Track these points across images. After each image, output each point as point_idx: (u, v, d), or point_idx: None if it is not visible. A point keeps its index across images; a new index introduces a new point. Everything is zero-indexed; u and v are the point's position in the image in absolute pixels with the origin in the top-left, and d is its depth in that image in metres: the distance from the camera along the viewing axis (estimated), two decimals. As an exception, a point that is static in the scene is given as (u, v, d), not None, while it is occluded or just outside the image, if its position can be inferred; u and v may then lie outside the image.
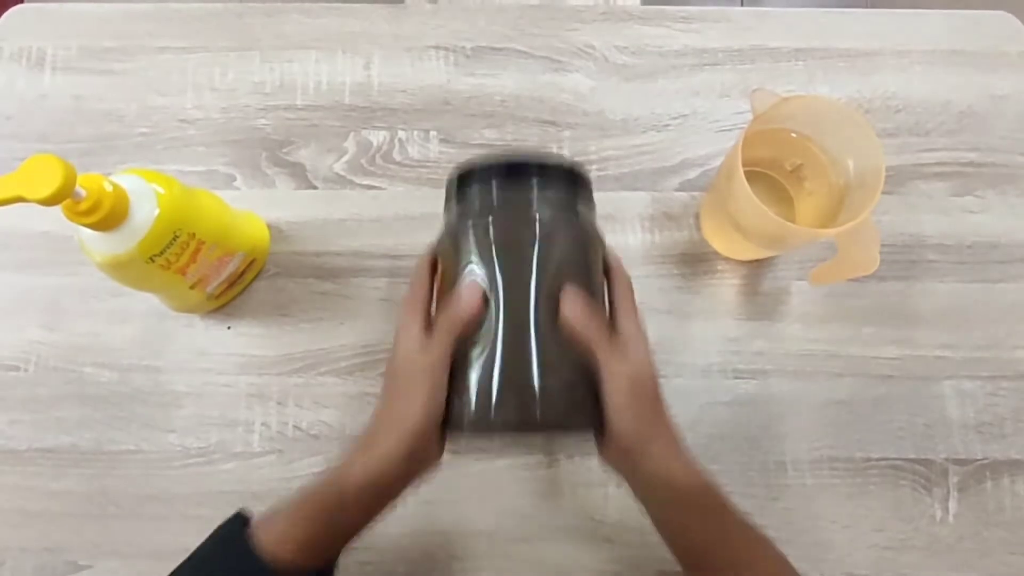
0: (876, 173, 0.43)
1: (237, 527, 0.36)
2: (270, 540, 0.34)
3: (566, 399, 0.34)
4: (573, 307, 0.34)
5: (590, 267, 0.37)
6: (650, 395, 0.35)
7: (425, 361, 0.33)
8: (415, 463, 0.34)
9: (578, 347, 0.34)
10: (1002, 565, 0.49)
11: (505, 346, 0.34)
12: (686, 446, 0.37)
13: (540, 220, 0.36)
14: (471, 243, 0.36)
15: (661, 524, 0.37)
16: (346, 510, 0.34)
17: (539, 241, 0.35)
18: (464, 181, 0.38)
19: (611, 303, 0.38)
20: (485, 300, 0.34)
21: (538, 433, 0.37)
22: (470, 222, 0.36)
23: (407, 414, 0.32)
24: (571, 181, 0.38)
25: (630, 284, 0.38)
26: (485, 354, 0.34)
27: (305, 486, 0.36)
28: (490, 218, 0.36)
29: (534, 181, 0.36)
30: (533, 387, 0.33)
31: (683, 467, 0.36)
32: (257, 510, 0.49)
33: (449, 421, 0.35)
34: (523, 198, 0.36)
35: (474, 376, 0.34)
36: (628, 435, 0.34)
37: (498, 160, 0.37)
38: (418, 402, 0.32)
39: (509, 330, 0.34)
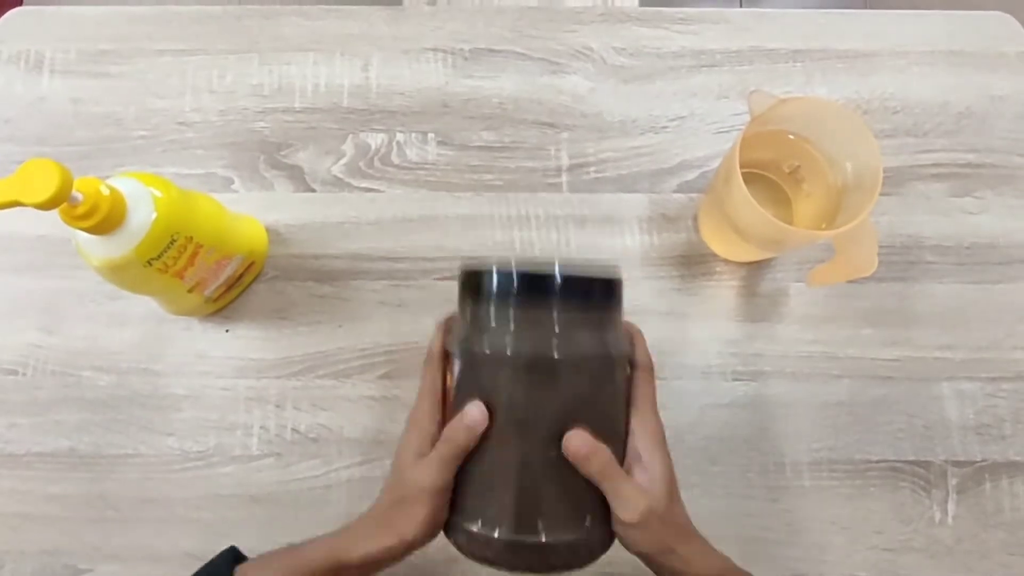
0: (874, 174, 0.43)
1: (226, 565, 0.37)
2: None
3: (573, 534, 0.33)
4: (577, 448, 0.33)
5: (615, 392, 0.36)
6: (664, 517, 0.34)
7: (424, 487, 0.33)
8: (410, 552, 0.36)
9: (589, 478, 0.33)
10: (1001, 566, 0.49)
11: (513, 472, 0.33)
12: (706, 544, 0.37)
13: (561, 344, 0.33)
14: (486, 363, 0.34)
15: None
16: None
17: (560, 368, 0.33)
18: (480, 282, 0.35)
19: (631, 404, 0.36)
20: (490, 420, 0.33)
21: (542, 571, 0.35)
22: (486, 339, 0.34)
23: (407, 529, 0.34)
24: (601, 288, 0.35)
25: (653, 376, 0.37)
26: (490, 476, 0.34)
27: (298, 548, 0.37)
28: (507, 338, 0.33)
29: (557, 296, 0.33)
30: (538, 533, 0.33)
31: (703, 566, 0.35)
32: (256, 516, 0.49)
33: (451, 533, 0.35)
34: (544, 317, 0.33)
35: (479, 500, 0.34)
36: (643, 554, 0.34)
37: (519, 268, 0.34)
38: (416, 523, 0.34)
39: (518, 453, 0.33)
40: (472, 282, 0.35)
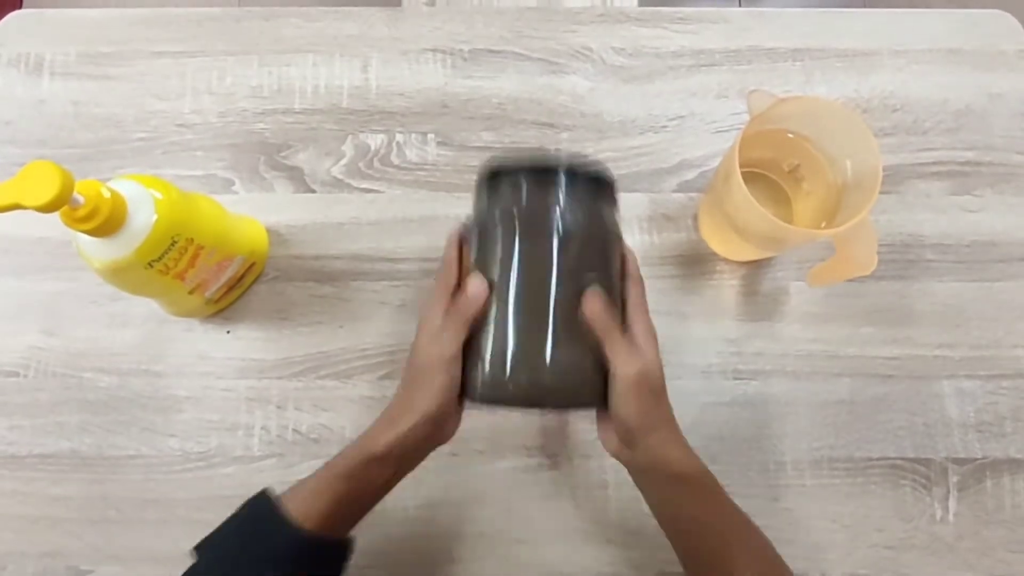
0: (873, 173, 0.43)
1: (265, 502, 0.38)
2: (297, 511, 0.36)
3: (576, 375, 0.37)
4: (593, 305, 0.36)
5: (608, 263, 0.39)
6: (655, 389, 0.37)
7: (440, 355, 0.36)
8: (432, 438, 0.38)
9: (593, 339, 0.36)
10: (1002, 563, 0.49)
11: (521, 325, 0.36)
12: (684, 439, 0.39)
13: (563, 215, 0.38)
14: (498, 231, 0.38)
15: (657, 506, 0.40)
16: (369, 478, 0.38)
17: (561, 233, 0.38)
18: (495, 176, 0.40)
19: (624, 303, 0.39)
20: (489, 291, 0.37)
21: (547, 404, 0.40)
22: (498, 212, 0.39)
23: (425, 402, 0.36)
24: (596, 182, 0.40)
25: (643, 286, 0.40)
26: (502, 330, 0.37)
27: (332, 460, 0.38)
28: (516, 209, 0.38)
29: (561, 180, 0.39)
30: (545, 361, 0.36)
31: (680, 453, 0.38)
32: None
33: (464, 389, 0.37)
34: (549, 195, 0.38)
35: (489, 349, 0.37)
36: (630, 422, 0.37)
37: (528, 160, 0.40)
38: (433, 393, 0.36)
39: (526, 310, 0.37)
40: (495, 174, 0.40)
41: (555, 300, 0.37)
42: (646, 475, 0.39)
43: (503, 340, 0.36)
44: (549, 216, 0.38)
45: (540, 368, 0.36)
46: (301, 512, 0.36)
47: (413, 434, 0.36)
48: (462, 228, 0.42)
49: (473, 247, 0.40)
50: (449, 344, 0.36)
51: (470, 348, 0.37)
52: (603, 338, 0.36)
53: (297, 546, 0.36)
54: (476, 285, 0.37)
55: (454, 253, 0.40)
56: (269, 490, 0.39)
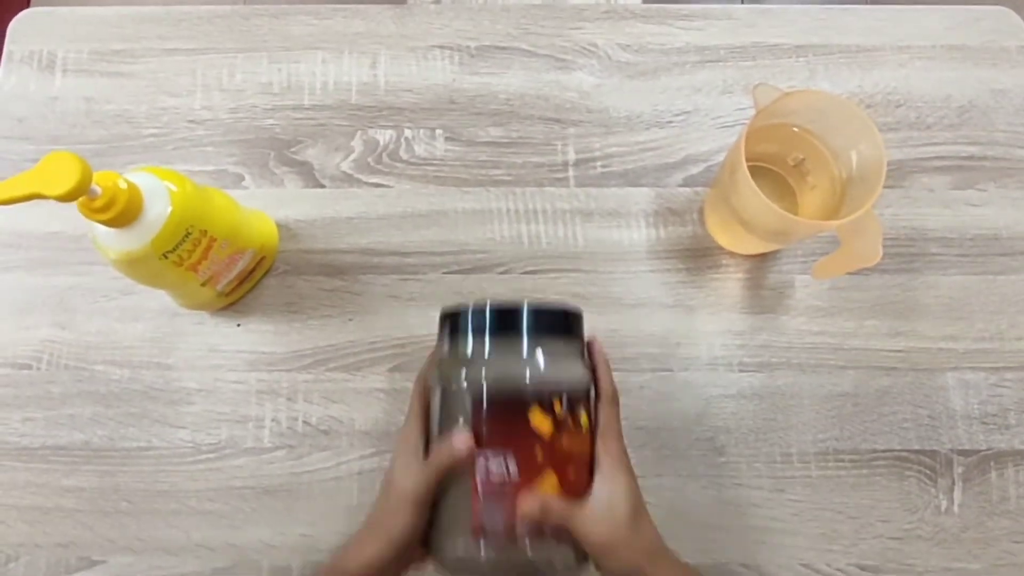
0: (878, 166, 0.43)
1: None
2: None
3: (550, 550, 0.36)
4: (531, 512, 0.35)
5: (574, 416, 0.38)
6: (631, 540, 0.36)
7: (413, 485, 0.36)
8: (401, 563, 0.38)
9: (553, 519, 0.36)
10: (1007, 554, 0.49)
11: (485, 494, 0.35)
12: (678, 561, 0.38)
13: (528, 378, 0.37)
14: (464, 398, 0.37)
15: None
16: None
17: (524, 400, 0.36)
18: (457, 322, 0.39)
19: (596, 431, 0.38)
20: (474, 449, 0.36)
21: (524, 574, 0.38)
22: (464, 373, 0.37)
23: (392, 527, 0.36)
24: (562, 328, 0.39)
25: (618, 406, 0.39)
26: (468, 497, 0.36)
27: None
28: (481, 371, 0.37)
29: (524, 335, 0.37)
30: (524, 550, 0.35)
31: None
32: (268, 507, 0.50)
33: (438, 553, 0.37)
34: (513, 352, 0.37)
35: (464, 516, 0.36)
36: (614, 571, 0.36)
37: (490, 310, 0.38)
38: (402, 520, 0.36)
39: (487, 480, 0.35)
40: (458, 321, 0.39)
41: (517, 470, 0.35)
42: None
43: (470, 510, 0.35)
44: (518, 382, 0.36)
45: (509, 543, 0.35)
46: None
47: (380, 561, 0.36)
48: (424, 375, 0.41)
49: (437, 397, 0.39)
50: (422, 482, 0.36)
51: (442, 503, 0.37)
52: (562, 525, 0.35)
53: None
54: (460, 440, 0.36)
55: (418, 402, 0.40)
56: None
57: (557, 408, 0.36)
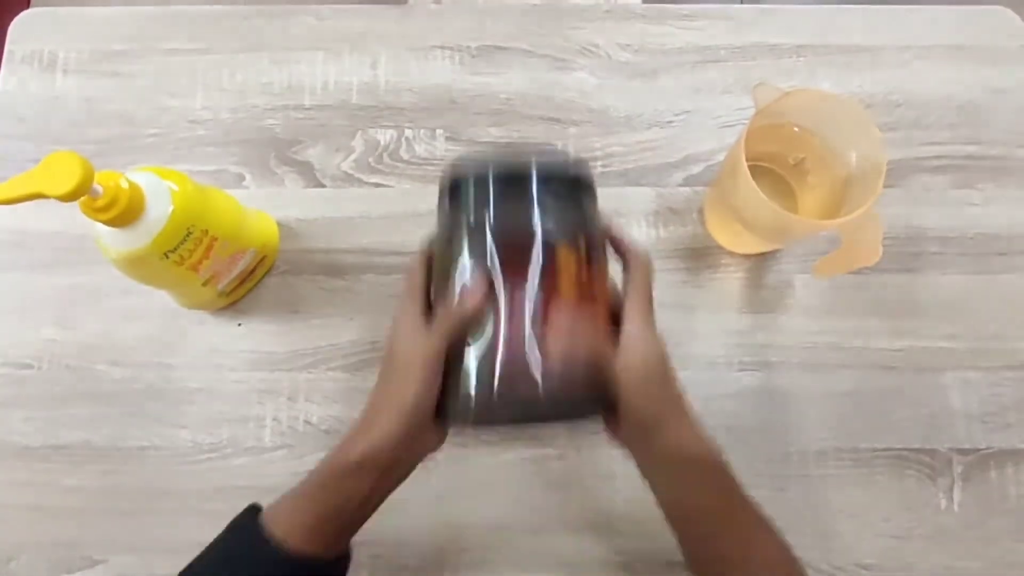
0: (877, 166, 0.43)
1: (250, 517, 0.37)
2: (280, 527, 0.35)
3: (569, 389, 0.34)
4: (567, 330, 0.34)
5: (591, 260, 0.37)
6: (660, 379, 0.35)
7: (422, 349, 0.34)
8: (412, 444, 0.35)
9: (584, 345, 0.35)
10: (1007, 553, 0.49)
11: (506, 340, 0.34)
12: (700, 423, 0.37)
13: (537, 220, 0.35)
14: (467, 242, 0.36)
15: (668, 503, 0.37)
16: (347, 490, 0.35)
17: (537, 241, 0.35)
18: (459, 180, 0.37)
19: (624, 290, 0.37)
20: (488, 297, 0.34)
21: (541, 423, 0.38)
22: (465, 220, 0.36)
23: (402, 397, 0.33)
24: (569, 177, 0.38)
25: (646, 272, 0.37)
26: (486, 347, 0.34)
27: (309, 474, 0.37)
28: (487, 217, 0.35)
29: (532, 180, 0.36)
30: (536, 379, 0.34)
31: (695, 440, 0.36)
32: (270, 503, 0.50)
33: (452, 413, 0.35)
34: (520, 198, 0.36)
35: (474, 368, 0.34)
36: (640, 416, 0.35)
37: (493, 160, 0.37)
38: (412, 387, 0.33)
39: (510, 325, 0.34)
40: (459, 178, 0.37)
41: (540, 309, 0.34)
42: (657, 465, 0.37)
43: (490, 356, 0.34)
44: (524, 220, 0.35)
45: (531, 385, 0.33)
46: (284, 529, 0.34)
47: (389, 440, 0.33)
48: (426, 244, 0.40)
49: (442, 257, 0.37)
50: (433, 338, 0.34)
51: (451, 366, 0.35)
52: (591, 352, 0.34)
53: (282, 568, 0.34)
54: (475, 289, 0.34)
55: (421, 263, 0.38)
56: (253, 508, 0.37)
57: (582, 246, 0.36)
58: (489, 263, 0.35)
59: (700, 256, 0.55)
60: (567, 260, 0.35)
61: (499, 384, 0.34)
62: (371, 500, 0.36)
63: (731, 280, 0.55)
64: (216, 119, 0.58)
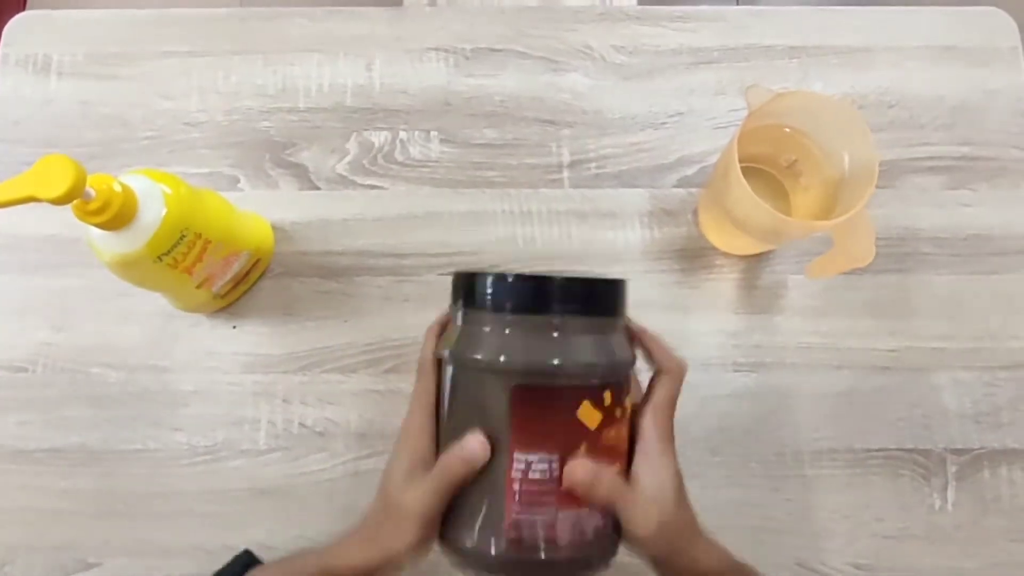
0: (870, 166, 0.44)
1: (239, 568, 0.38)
2: None
3: (580, 549, 0.32)
4: (582, 480, 0.32)
5: (615, 406, 0.34)
6: (674, 510, 0.33)
7: (417, 510, 0.32)
8: (399, 571, 0.35)
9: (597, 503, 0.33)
10: (1001, 552, 0.49)
11: (514, 495, 0.32)
12: (708, 538, 0.36)
13: (560, 355, 0.32)
14: (475, 381, 0.33)
15: None
16: None
17: (557, 395, 0.32)
18: (477, 295, 0.33)
19: (646, 402, 0.35)
20: (491, 449, 0.32)
21: None
22: (481, 360, 0.32)
23: (394, 547, 0.33)
24: (600, 306, 0.33)
25: (676, 386, 0.35)
26: (494, 494, 0.32)
27: (292, 558, 0.38)
28: (502, 357, 0.31)
29: (556, 318, 0.32)
30: (542, 543, 0.32)
31: (710, 556, 0.35)
32: (264, 509, 0.50)
33: (455, 547, 0.33)
34: (542, 326, 0.32)
35: (480, 518, 0.32)
36: (657, 551, 0.34)
37: (514, 292, 0.32)
38: (406, 543, 0.32)
39: (521, 482, 0.32)
40: (467, 286, 0.34)
41: (551, 472, 0.31)
42: None
43: (497, 509, 0.31)
44: (544, 353, 0.31)
45: (537, 546, 0.31)
46: None
47: (377, 567, 0.33)
48: (438, 323, 0.37)
49: (449, 377, 0.34)
50: (430, 503, 0.32)
51: (461, 497, 0.32)
52: (606, 504, 0.32)
53: None
54: (474, 447, 0.31)
55: (429, 353, 0.36)
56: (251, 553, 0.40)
57: (607, 399, 0.32)
58: (516, 405, 0.32)
59: (694, 257, 0.55)
60: (589, 415, 0.32)
61: (505, 546, 0.32)
62: None
63: (725, 281, 0.55)
64: (211, 121, 0.58)
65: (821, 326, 0.54)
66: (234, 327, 0.54)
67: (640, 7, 0.62)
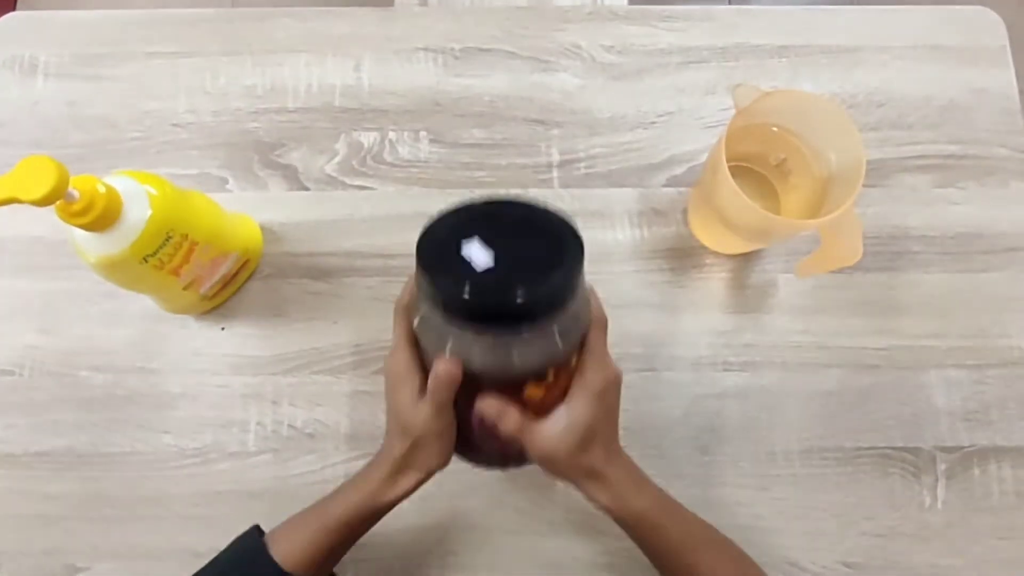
0: (857, 165, 0.44)
1: (255, 543, 0.39)
2: (285, 555, 0.38)
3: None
4: (488, 413, 0.35)
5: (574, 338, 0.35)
6: (570, 461, 0.37)
7: (436, 427, 0.37)
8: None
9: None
10: (990, 550, 0.49)
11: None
12: (620, 472, 0.38)
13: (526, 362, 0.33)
14: (446, 333, 0.34)
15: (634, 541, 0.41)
16: (363, 529, 0.40)
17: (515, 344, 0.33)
18: (435, 295, 0.33)
19: (581, 355, 0.36)
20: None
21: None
22: (443, 307, 0.33)
23: (432, 462, 0.38)
24: (558, 299, 0.33)
25: (602, 338, 0.37)
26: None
27: (323, 505, 0.40)
28: (466, 295, 0.31)
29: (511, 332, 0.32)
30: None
31: (614, 503, 0.38)
32: (254, 511, 0.50)
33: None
34: (495, 349, 0.33)
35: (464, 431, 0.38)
36: (557, 477, 0.38)
37: (476, 224, 0.34)
38: (440, 456, 0.38)
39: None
40: (428, 282, 0.33)
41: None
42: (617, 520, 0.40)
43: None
44: (499, 368, 0.34)
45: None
46: (289, 556, 0.38)
47: (419, 486, 0.39)
48: (405, 308, 0.38)
49: (419, 321, 0.36)
50: (441, 418, 0.36)
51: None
52: (514, 436, 0.36)
53: None
54: (446, 370, 0.34)
55: (406, 299, 0.38)
56: (259, 530, 0.41)
57: (550, 376, 0.35)
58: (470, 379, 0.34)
59: (684, 256, 0.55)
60: (533, 392, 0.36)
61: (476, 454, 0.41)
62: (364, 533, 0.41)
63: (715, 280, 0.55)
64: (199, 122, 0.58)
65: (811, 325, 0.54)
66: (223, 329, 0.53)
67: (629, 7, 0.62)
